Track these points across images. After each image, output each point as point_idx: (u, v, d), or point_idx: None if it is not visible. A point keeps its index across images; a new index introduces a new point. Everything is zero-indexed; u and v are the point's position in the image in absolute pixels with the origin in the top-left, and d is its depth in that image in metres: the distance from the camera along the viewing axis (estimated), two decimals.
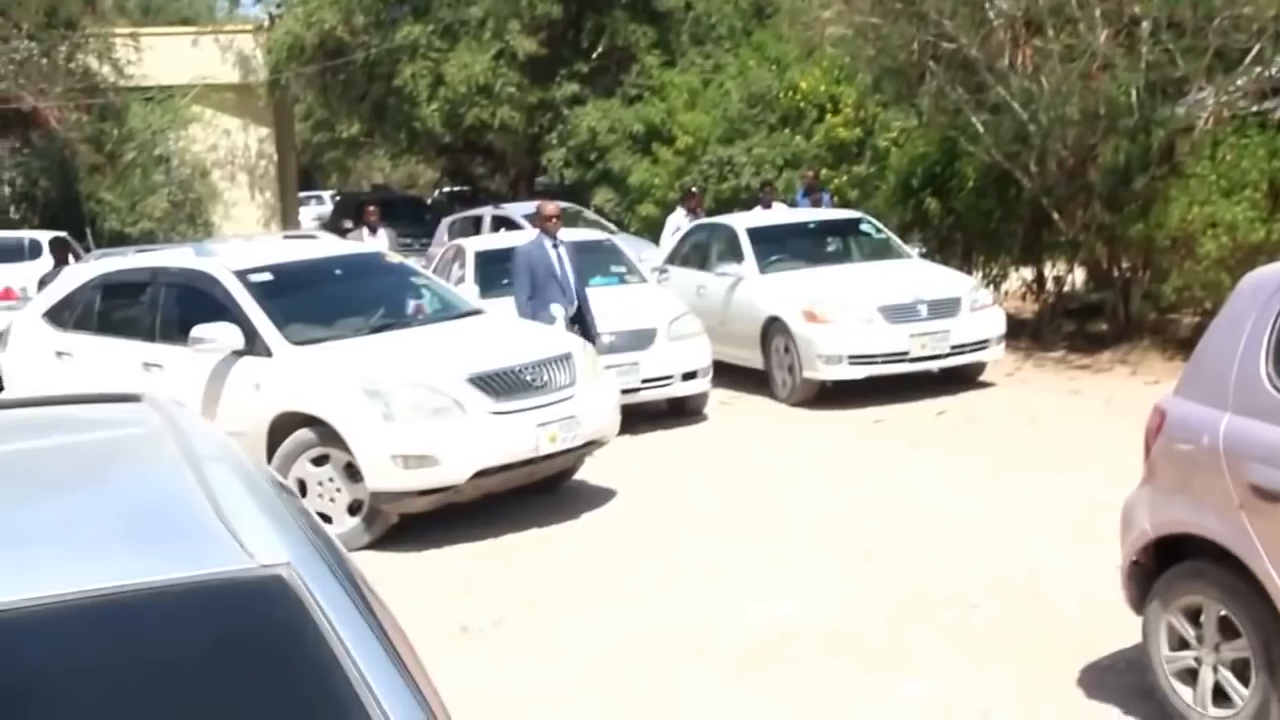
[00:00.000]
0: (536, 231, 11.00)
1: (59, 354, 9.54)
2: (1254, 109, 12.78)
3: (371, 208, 18.18)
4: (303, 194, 39.25)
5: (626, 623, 6.48)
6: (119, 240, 22.92)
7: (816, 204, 17.42)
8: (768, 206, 17.24)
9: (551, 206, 11.03)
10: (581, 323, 10.46)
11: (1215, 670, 4.68)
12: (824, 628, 6.24)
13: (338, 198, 36.59)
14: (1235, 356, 4.61)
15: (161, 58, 25.74)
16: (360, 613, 2.08)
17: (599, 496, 9.10)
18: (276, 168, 29.54)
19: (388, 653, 2.03)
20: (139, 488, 2.54)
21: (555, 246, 10.56)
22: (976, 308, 12.10)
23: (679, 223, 16.51)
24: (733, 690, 5.60)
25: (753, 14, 25.22)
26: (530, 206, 21.54)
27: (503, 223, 19.66)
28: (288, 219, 30.24)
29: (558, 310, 10.32)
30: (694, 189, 18.99)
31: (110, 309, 9.71)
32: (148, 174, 25.69)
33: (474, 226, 20.34)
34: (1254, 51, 12.41)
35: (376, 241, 15.77)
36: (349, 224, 22.94)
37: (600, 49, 25.80)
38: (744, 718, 5.31)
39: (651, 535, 8.13)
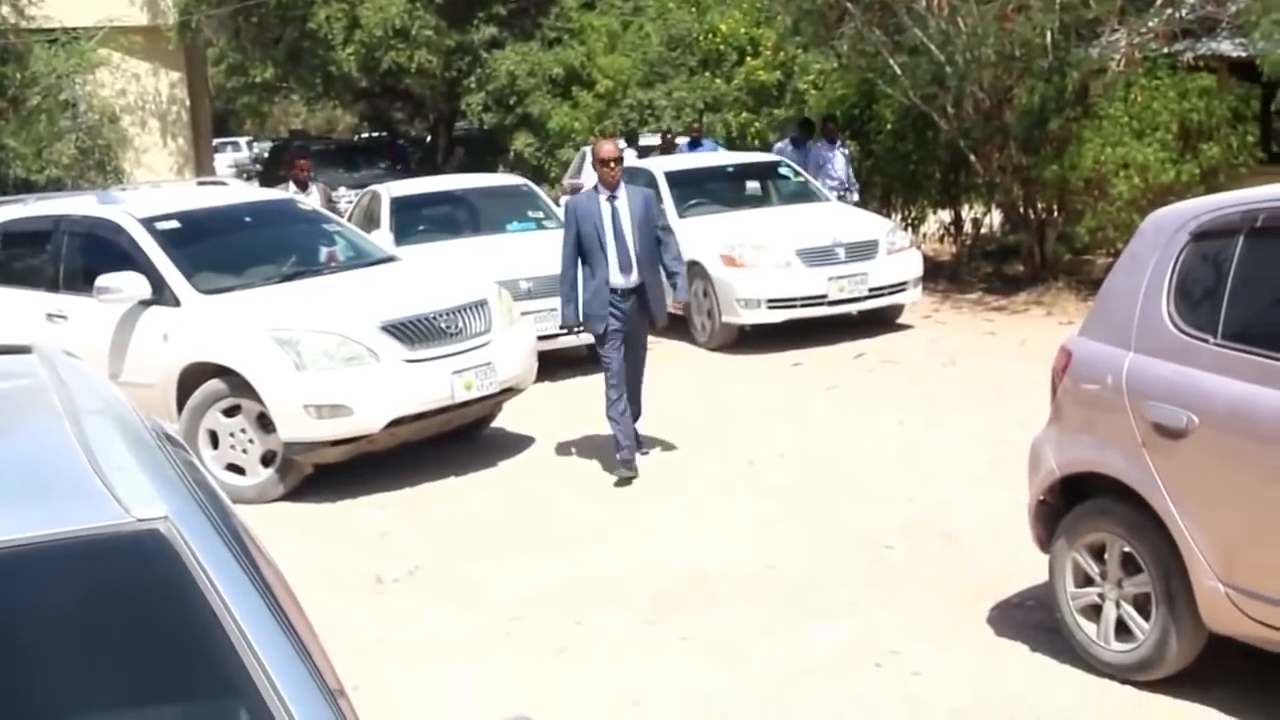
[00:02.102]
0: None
1: None
2: (1165, 51, 12.93)
3: (302, 161, 14.70)
4: (218, 140, 38.41)
5: (542, 571, 6.47)
6: (25, 188, 22.31)
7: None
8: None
9: (607, 147, 8.32)
10: (642, 297, 8.17)
11: (1118, 605, 4.76)
12: (739, 573, 6.26)
13: (273, 145, 35.33)
14: (1138, 296, 4.65)
15: None
16: (242, 567, 2.03)
17: (517, 444, 9.05)
18: (189, 113, 28.81)
19: (270, 609, 1.98)
20: (14, 442, 2.47)
21: (611, 200, 8.08)
22: (894, 250, 12.15)
23: None
24: (647, 636, 5.60)
25: None
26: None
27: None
28: (202, 166, 29.54)
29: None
30: (666, 132, 18.83)
31: (11, 259, 9.47)
32: (54, 120, 24.88)
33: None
34: None
35: (308, 200, 12.56)
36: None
37: None
38: (657, 663, 5.32)
39: (569, 483, 8.11)
